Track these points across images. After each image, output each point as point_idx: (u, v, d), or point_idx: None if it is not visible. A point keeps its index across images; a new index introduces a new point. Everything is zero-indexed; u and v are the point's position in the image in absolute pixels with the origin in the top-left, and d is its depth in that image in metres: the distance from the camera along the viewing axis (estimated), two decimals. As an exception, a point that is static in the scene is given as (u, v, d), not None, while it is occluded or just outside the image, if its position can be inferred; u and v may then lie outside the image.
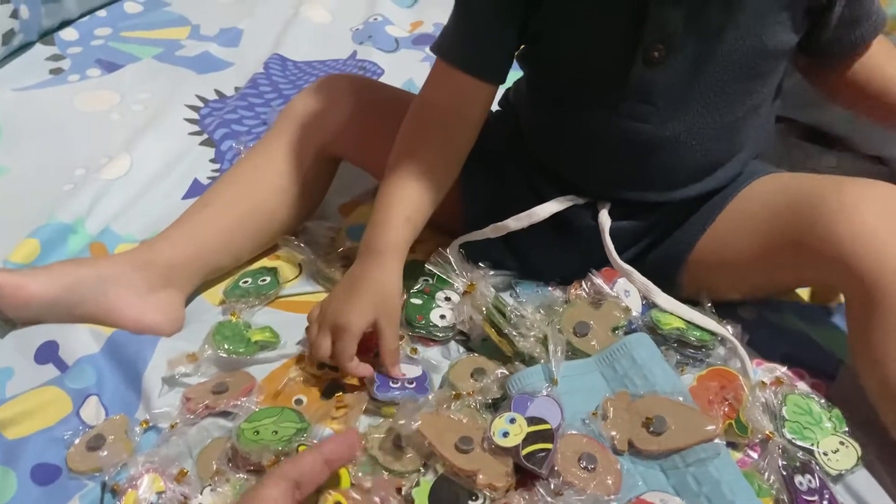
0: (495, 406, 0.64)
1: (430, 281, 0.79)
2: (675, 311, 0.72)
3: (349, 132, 0.81)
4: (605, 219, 0.75)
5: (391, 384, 0.67)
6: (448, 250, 0.77)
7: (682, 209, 0.75)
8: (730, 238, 0.72)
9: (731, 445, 0.65)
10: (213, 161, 0.99)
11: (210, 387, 0.67)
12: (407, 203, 0.71)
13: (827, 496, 0.60)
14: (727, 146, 0.73)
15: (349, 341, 0.66)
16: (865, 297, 0.62)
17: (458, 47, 0.72)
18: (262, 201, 0.80)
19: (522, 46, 0.75)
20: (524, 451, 0.57)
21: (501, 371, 0.67)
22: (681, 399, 0.61)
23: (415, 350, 0.73)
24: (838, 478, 0.63)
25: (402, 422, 0.60)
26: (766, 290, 0.75)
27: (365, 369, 0.67)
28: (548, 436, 0.58)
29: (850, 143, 0.95)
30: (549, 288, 0.80)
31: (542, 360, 0.65)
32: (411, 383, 0.68)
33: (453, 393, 0.65)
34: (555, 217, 0.76)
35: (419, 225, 0.73)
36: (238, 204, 0.79)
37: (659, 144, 0.70)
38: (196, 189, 0.94)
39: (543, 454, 0.57)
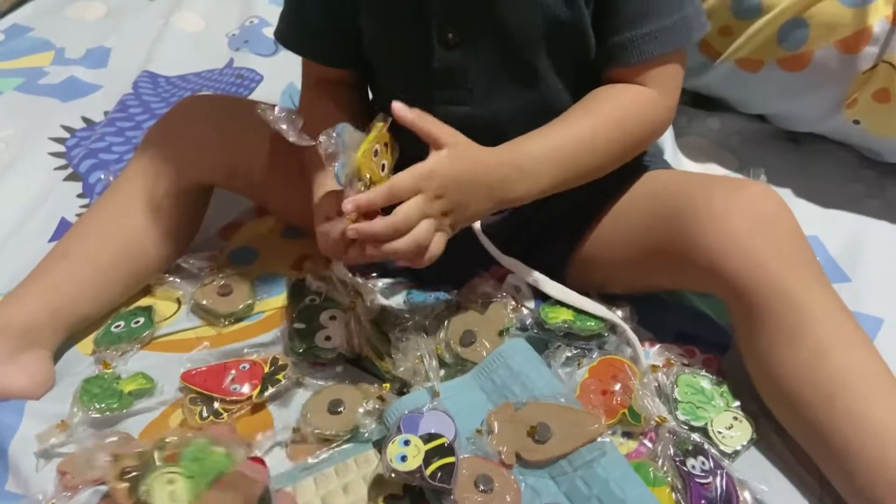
0: (375, 444, 0.62)
1: (317, 300, 0.76)
2: (564, 298, 0.70)
3: (213, 158, 0.78)
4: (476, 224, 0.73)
5: None
6: (333, 265, 0.74)
7: (558, 203, 0.73)
8: (609, 239, 0.71)
9: (627, 435, 0.64)
10: (81, 196, 0.93)
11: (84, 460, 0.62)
12: None
13: (722, 476, 0.59)
14: None
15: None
16: (742, 303, 0.62)
17: (290, 30, 0.75)
18: (128, 244, 0.75)
19: None
20: (428, 471, 0.55)
21: (369, 403, 0.64)
22: (562, 401, 0.60)
23: (301, 377, 0.70)
24: (735, 455, 0.62)
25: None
26: (650, 289, 0.74)
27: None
28: (447, 450, 0.57)
29: (731, 104, 0.94)
30: (443, 293, 0.77)
31: (420, 385, 0.63)
32: None
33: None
34: None
35: None
36: (100, 251, 0.75)
37: (483, 126, 0.67)
38: (63, 229, 0.88)
39: (448, 469, 0.55)
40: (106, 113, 1.08)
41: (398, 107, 0.59)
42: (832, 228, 0.82)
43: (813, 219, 0.82)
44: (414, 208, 0.58)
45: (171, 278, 0.79)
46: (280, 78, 1.13)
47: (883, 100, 0.80)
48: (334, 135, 0.57)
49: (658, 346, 0.70)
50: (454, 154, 0.60)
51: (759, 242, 0.61)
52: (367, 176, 0.58)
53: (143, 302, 0.78)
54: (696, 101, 0.98)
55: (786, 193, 0.87)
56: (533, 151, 0.64)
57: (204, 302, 0.77)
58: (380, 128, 0.60)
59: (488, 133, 0.70)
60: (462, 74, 0.68)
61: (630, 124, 0.66)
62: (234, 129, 0.78)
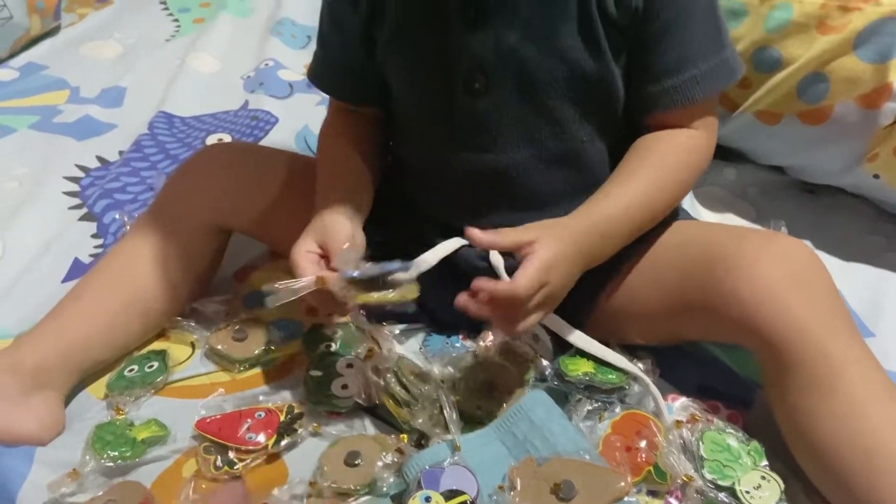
0: (394, 499, 0.61)
1: (333, 346, 0.75)
2: (586, 348, 0.69)
3: (231, 204, 0.77)
4: (496, 258, 0.72)
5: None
6: (350, 314, 0.74)
7: None
8: (636, 289, 0.71)
9: (652, 493, 0.62)
10: (95, 236, 0.93)
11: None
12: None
13: (751, 537, 0.58)
14: (580, 174, 0.70)
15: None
16: (774, 355, 0.61)
17: (316, 68, 0.77)
18: (143, 287, 0.75)
19: None
20: None
21: (388, 456, 0.63)
22: (587, 457, 0.59)
23: (317, 427, 0.69)
24: (763, 515, 0.61)
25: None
26: (675, 341, 0.73)
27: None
28: (469, 507, 0.55)
29: (748, 155, 0.94)
30: (460, 338, 0.77)
31: (439, 439, 0.62)
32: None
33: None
34: (448, 263, 0.73)
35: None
36: (115, 294, 0.74)
37: (507, 174, 0.69)
38: (77, 270, 0.87)
39: None
40: (121, 152, 1.08)
41: (474, 235, 0.60)
42: (853, 282, 0.82)
43: (833, 271, 0.80)
44: (536, 297, 0.59)
45: (185, 322, 0.78)
46: (295, 120, 1.14)
47: (903, 155, 0.80)
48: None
49: (681, 399, 0.69)
50: (555, 239, 0.60)
51: (793, 294, 0.60)
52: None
53: (157, 345, 0.77)
54: (711, 152, 0.98)
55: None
56: (611, 214, 0.64)
57: (219, 347, 0.76)
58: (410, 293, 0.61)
59: (511, 181, 0.70)
60: (487, 122, 0.68)
61: (684, 171, 0.68)
62: (252, 176, 0.79)
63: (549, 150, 0.69)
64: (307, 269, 0.63)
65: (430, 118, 0.72)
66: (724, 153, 0.96)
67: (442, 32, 0.66)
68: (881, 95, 0.78)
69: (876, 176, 0.83)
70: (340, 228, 0.65)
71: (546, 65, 0.65)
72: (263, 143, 1.09)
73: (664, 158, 0.67)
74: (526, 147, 0.69)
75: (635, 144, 0.69)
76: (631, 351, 0.71)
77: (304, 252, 0.64)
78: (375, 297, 0.61)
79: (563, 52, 0.64)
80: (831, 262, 0.85)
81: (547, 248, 0.59)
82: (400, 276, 0.62)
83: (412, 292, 0.62)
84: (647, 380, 0.68)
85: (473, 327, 0.75)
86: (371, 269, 0.61)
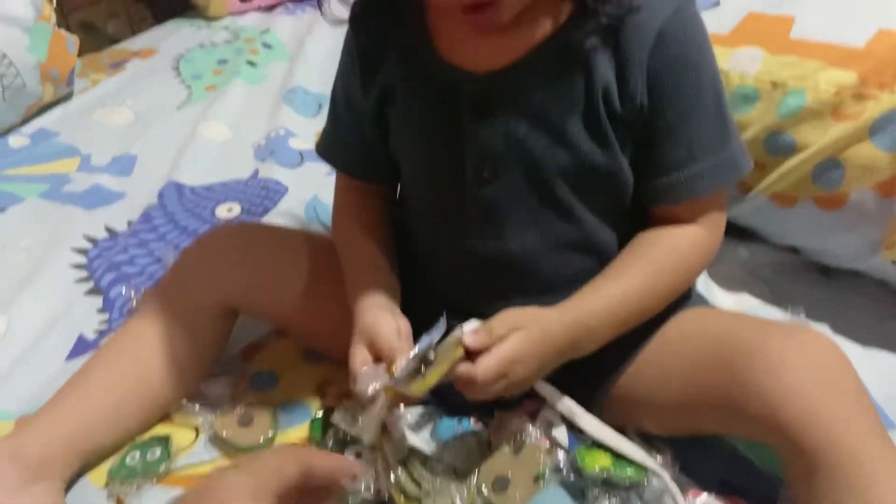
0: None
1: (341, 433, 0.73)
2: (602, 437, 0.67)
3: (242, 286, 0.77)
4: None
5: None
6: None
7: None
8: (651, 379, 0.69)
9: None
10: (101, 311, 0.92)
11: None
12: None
13: None
14: (590, 258, 0.70)
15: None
16: (801, 456, 0.59)
17: (325, 143, 0.78)
18: (150, 370, 0.74)
19: None
20: None
21: None
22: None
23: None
24: None
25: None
26: (694, 434, 0.71)
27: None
28: None
29: (762, 234, 0.93)
30: (471, 422, 0.74)
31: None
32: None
33: None
34: None
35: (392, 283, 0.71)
36: (120, 379, 0.73)
37: (515, 262, 0.69)
38: (81, 346, 0.86)
39: None
40: (130, 222, 1.08)
41: (470, 342, 0.60)
42: (874, 370, 0.79)
43: (853, 358, 0.79)
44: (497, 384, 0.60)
45: (190, 404, 0.76)
46: (305, 190, 1.13)
47: (922, 244, 0.79)
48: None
49: (702, 496, 0.66)
50: (526, 336, 0.61)
51: (821, 394, 0.58)
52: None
53: (161, 430, 0.75)
54: (725, 230, 0.97)
55: (822, 329, 0.85)
56: (597, 310, 0.64)
57: (224, 433, 0.74)
58: (454, 356, 0.60)
59: (521, 267, 0.69)
60: (495, 210, 0.68)
61: (684, 267, 0.67)
62: (262, 257, 0.78)
63: (557, 236, 0.68)
64: (369, 382, 0.62)
65: (439, 203, 0.72)
66: (738, 231, 0.95)
67: (452, 121, 0.66)
68: (898, 183, 0.77)
69: (895, 262, 0.82)
70: (384, 325, 0.64)
71: (554, 155, 0.65)
72: (273, 213, 1.09)
73: (660, 256, 0.67)
74: (534, 234, 0.68)
75: (634, 240, 0.68)
76: (648, 440, 0.69)
77: (361, 363, 0.63)
78: (433, 375, 0.60)
79: (571, 143, 0.64)
80: (850, 349, 0.83)
81: (515, 344, 0.60)
82: (446, 340, 0.62)
83: (458, 351, 0.61)
84: (666, 477, 0.65)
85: (485, 410, 0.73)
86: (418, 352, 0.61)
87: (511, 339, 0.60)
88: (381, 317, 0.65)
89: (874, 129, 0.76)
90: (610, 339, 0.65)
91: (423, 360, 0.62)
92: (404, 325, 0.66)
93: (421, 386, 0.60)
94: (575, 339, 0.63)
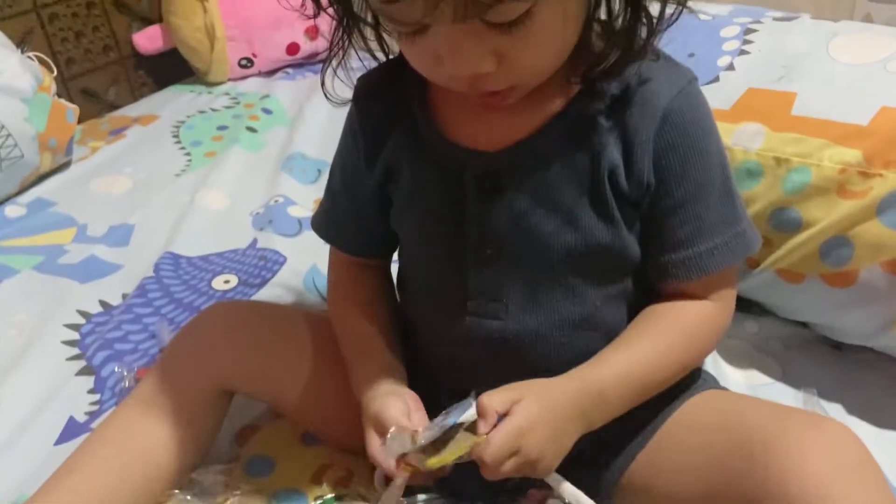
0: None
1: (338, 525, 0.70)
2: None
3: (236, 368, 0.74)
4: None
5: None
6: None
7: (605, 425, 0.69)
8: (661, 468, 0.66)
9: None
10: (91, 392, 0.89)
11: None
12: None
13: None
14: (596, 335, 0.68)
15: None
16: None
17: (321, 220, 0.78)
18: (141, 458, 0.71)
19: None
20: None
21: None
22: None
23: None
24: None
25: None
26: None
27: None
28: None
29: (770, 308, 0.92)
30: (477, 508, 0.72)
31: None
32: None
33: None
34: None
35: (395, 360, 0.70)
36: (111, 468, 0.69)
37: (517, 341, 0.67)
38: (71, 430, 0.83)
39: None
40: (125, 295, 1.06)
41: (482, 427, 0.58)
42: (889, 452, 0.77)
43: (868, 440, 0.77)
44: (511, 461, 0.58)
45: (182, 494, 0.73)
46: (303, 260, 1.12)
47: (934, 321, 0.77)
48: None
49: None
50: (535, 405, 0.59)
51: (844, 491, 0.56)
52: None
53: (151, 522, 0.72)
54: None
55: (836, 409, 0.82)
56: (604, 377, 0.62)
57: (217, 526, 0.71)
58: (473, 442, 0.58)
59: (525, 347, 0.67)
60: (497, 289, 0.66)
61: (694, 341, 0.66)
62: (259, 338, 0.76)
63: (562, 315, 0.67)
64: (391, 464, 0.60)
65: (439, 281, 0.70)
66: (746, 305, 0.94)
67: (455, 199, 0.66)
68: (909, 262, 0.75)
69: (909, 341, 0.80)
70: (391, 407, 0.62)
71: (558, 234, 0.64)
72: (271, 284, 1.08)
73: (669, 328, 0.65)
74: (537, 313, 0.66)
75: (643, 312, 0.67)
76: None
77: (380, 449, 0.61)
78: (451, 454, 0.58)
79: (576, 222, 0.63)
80: (863, 429, 0.81)
81: (521, 412, 0.58)
82: (464, 417, 0.59)
83: (481, 438, 0.59)
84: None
85: (492, 500, 0.71)
86: (434, 427, 0.59)
87: (515, 410, 0.58)
88: (388, 401, 0.63)
89: (881, 208, 0.75)
90: (622, 411, 0.63)
91: (444, 436, 0.59)
92: (412, 401, 0.64)
93: (437, 461, 0.58)
94: (585, 406, 0.61)
